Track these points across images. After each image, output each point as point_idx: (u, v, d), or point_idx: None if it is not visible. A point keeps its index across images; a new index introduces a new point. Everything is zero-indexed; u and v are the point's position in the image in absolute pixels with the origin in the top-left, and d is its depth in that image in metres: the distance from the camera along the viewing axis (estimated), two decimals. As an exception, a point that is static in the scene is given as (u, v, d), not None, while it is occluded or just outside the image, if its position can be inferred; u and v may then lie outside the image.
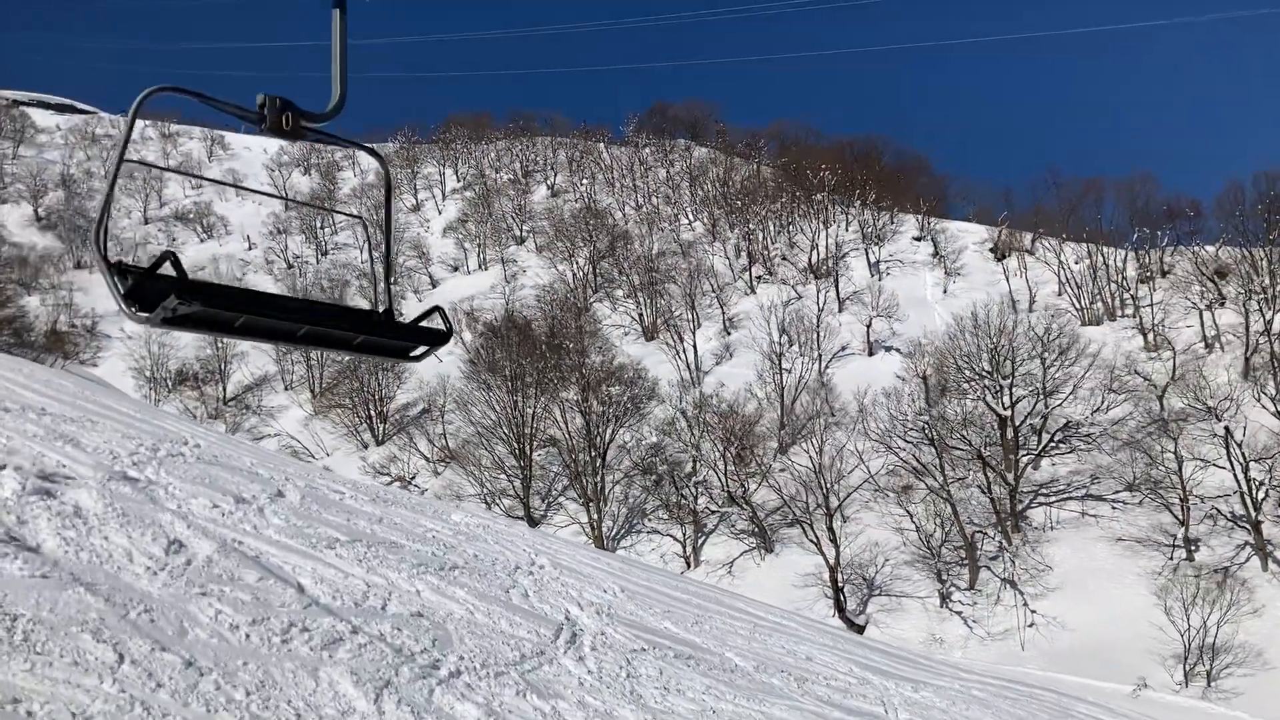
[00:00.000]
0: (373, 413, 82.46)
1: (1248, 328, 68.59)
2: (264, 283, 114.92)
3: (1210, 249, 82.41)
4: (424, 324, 3.88)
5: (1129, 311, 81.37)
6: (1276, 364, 65.30)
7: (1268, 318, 66.98)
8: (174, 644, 7.00)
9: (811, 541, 50.70)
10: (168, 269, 3.10)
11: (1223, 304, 75.39)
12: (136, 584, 7.81)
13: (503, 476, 64.92)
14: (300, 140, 3.51)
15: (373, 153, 4.27)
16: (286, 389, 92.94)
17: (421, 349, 3.85)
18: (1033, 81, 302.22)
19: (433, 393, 79.98)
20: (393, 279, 4.27)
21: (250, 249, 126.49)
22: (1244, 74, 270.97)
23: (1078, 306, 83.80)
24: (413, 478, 73.70)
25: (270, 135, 3.42)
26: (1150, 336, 75.40)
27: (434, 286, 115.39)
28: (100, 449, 11.15)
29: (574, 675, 9.86)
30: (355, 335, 3.65)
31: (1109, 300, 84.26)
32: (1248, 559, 48.99)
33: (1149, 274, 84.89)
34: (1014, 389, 55.93)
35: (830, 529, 50.65)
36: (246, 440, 75.15)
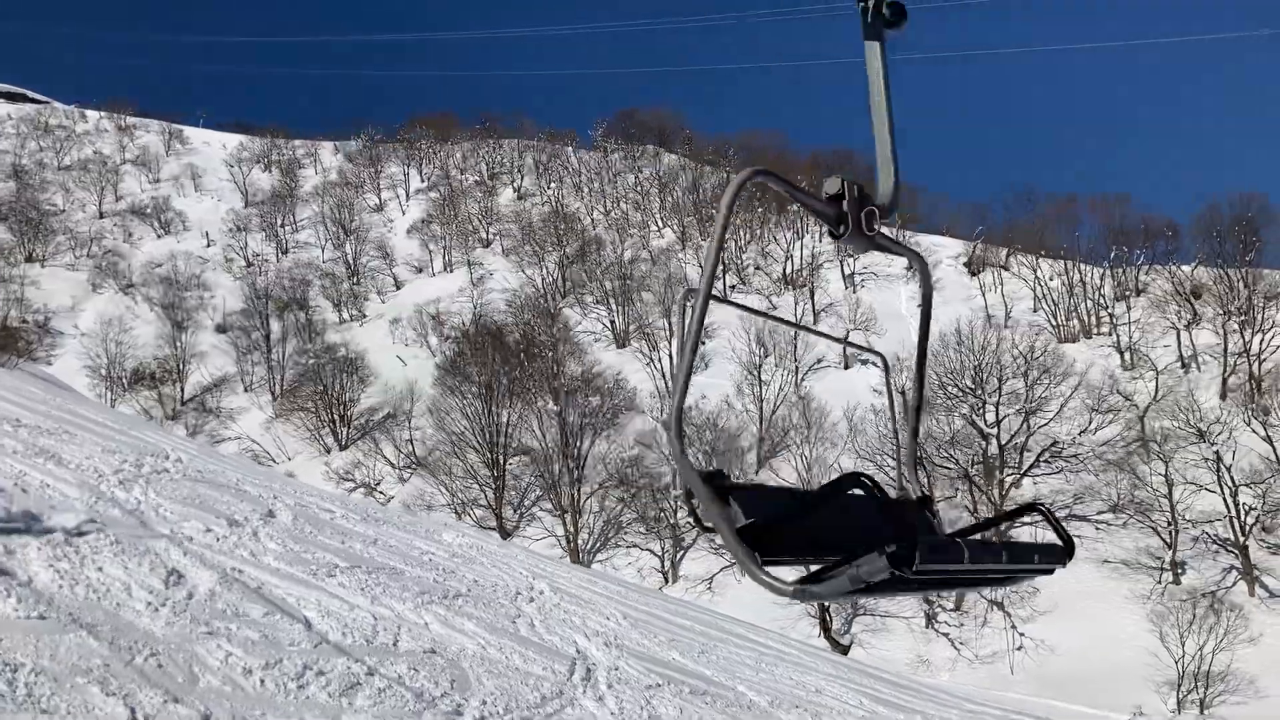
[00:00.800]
0: (336, 417, 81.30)
1: (1225, 349, 69.38)
2: (223, 281, 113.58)
3: (1186, 268, 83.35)
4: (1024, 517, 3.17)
5: (1105, 330, 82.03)
6: (1255, 385, 66.24)
7: (1247, 339, 67.79)
8: (186, 694, 6.44)
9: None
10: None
11: (1198, 323, 76.20)
12: (139, 623, 7.23)
13: (474, 486, 64.11)
14: (875, 248, 2.82)
15: (917, 257, 3.47)
16: (246, 390, 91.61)
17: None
18: (1007, 98, 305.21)
19: (399, 398, 79.07)
20: (914, 458, 3.38)
21: (209, 246, 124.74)
22: (1220, 96, 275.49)
23: (1054, 323, 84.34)
24: (377, 484, 72.85)
25: (849, 242, 2.71)
26: (1128, 355, 75.98)
27: (398, 288, 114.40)
28: (84, 466, 10.59)
29: (598, 718, 9.43)
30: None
31: (1085, 318, 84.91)
32: (1234, 583, 49.25)
33: (1125, 292, 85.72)
34: (999, 407, 55.93)
35: (815, 548, 50.01)
36: (223, 451, 74.34)
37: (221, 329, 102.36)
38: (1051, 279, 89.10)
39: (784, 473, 55.02)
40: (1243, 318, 70.55)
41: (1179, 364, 73.45)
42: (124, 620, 7.14)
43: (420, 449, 74.27)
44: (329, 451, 79.61)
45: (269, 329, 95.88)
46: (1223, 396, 66.99)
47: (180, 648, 7.08)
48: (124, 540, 8.63)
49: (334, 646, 8.54)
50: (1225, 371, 69.33)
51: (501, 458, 64.33)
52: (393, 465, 74.35)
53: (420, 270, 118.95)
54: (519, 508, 65.57)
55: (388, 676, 8.12)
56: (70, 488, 9.47)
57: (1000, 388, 56.61)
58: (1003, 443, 55.36)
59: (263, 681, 7.21)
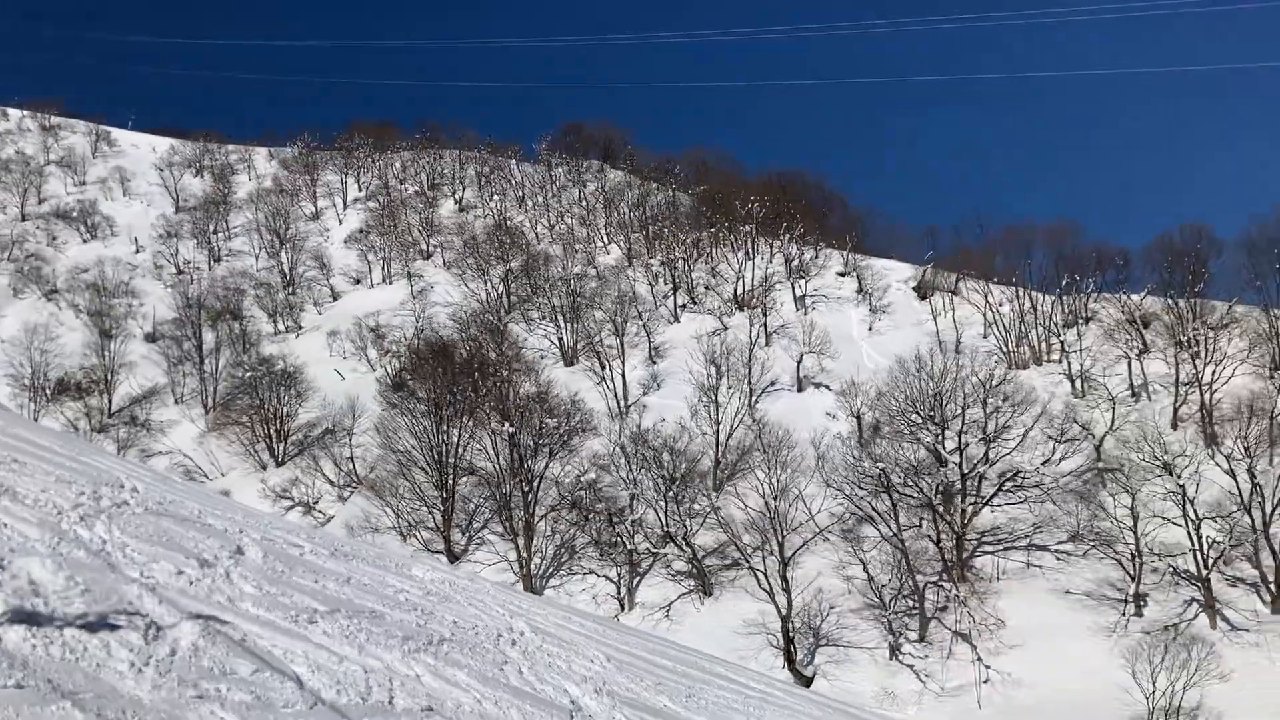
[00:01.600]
0: (272, 432, 79.51)
1: (1177, 378, 70.53)
2: (153, 289, 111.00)
3: (1136, 297, 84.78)
4: None
5: (1055, 357, 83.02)
6: (1206, 415, 67.41)
7: (1199, 368, 68.94)
8: (186, 774, 5.79)
9: (765, 590, 49.41)
10: None
11: (1149, 353, 77.40)
12: (123, 686, 6.51)
13: (421, 507, 62.83)
14: None
15: None
16: (177, 402, 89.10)
17: None
18: (957, 125, 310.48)
19: (339, 413, 77.57)
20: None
21: (138, 252, 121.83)
22: (1170, 127, 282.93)
23: (1005, 349, 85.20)
24: (315, 503, 71.22)
25: None
26: (1079, 383, 76.94)
27: (335, 299, 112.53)
28: (40, 501, 9.77)
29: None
30: None
31: (1036, 345, 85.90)
32: (1196, 615, 49.79)
33: (1074, 320, 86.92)
34: (962, 435, 56.08)
35: (783, 576, 49.55)
36: (156, 467, 72.45)
37: (151, 338, 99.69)
38: (1002, 305, 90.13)
39: (750, 500, 54.52)
40: (1194, 349, 71.75)
41: (1130, 393, 74.48)
42: (106, 684, 6.45)
43: (361, 467, 72.86)
44: (265, 468, 77.63)
45: (201, 339, 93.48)
46: (1174, 426, 67.95)
47: (170, 715, 6.46)
48: (94, 588, 7.96)
49: (330, 707, 8.06)
50: (1176, 401, 70.36)
51: (450, 478, 63.21)
52: (332, 483, 72.59)
53: (358, 281, 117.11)
54: (468, 530, 64.57)
55: (391, 741, 7.57)
56: (30, 527, 8.71)
57: (963, 414, 56.75)
58: (964, 471, 55.47)
59: (264, 752, 6.63)
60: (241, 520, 13.44)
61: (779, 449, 54.66)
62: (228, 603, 8.97)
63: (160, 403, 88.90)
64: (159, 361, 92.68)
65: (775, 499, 51.30)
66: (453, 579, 15.82)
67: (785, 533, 51.20)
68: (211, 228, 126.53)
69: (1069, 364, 78.82)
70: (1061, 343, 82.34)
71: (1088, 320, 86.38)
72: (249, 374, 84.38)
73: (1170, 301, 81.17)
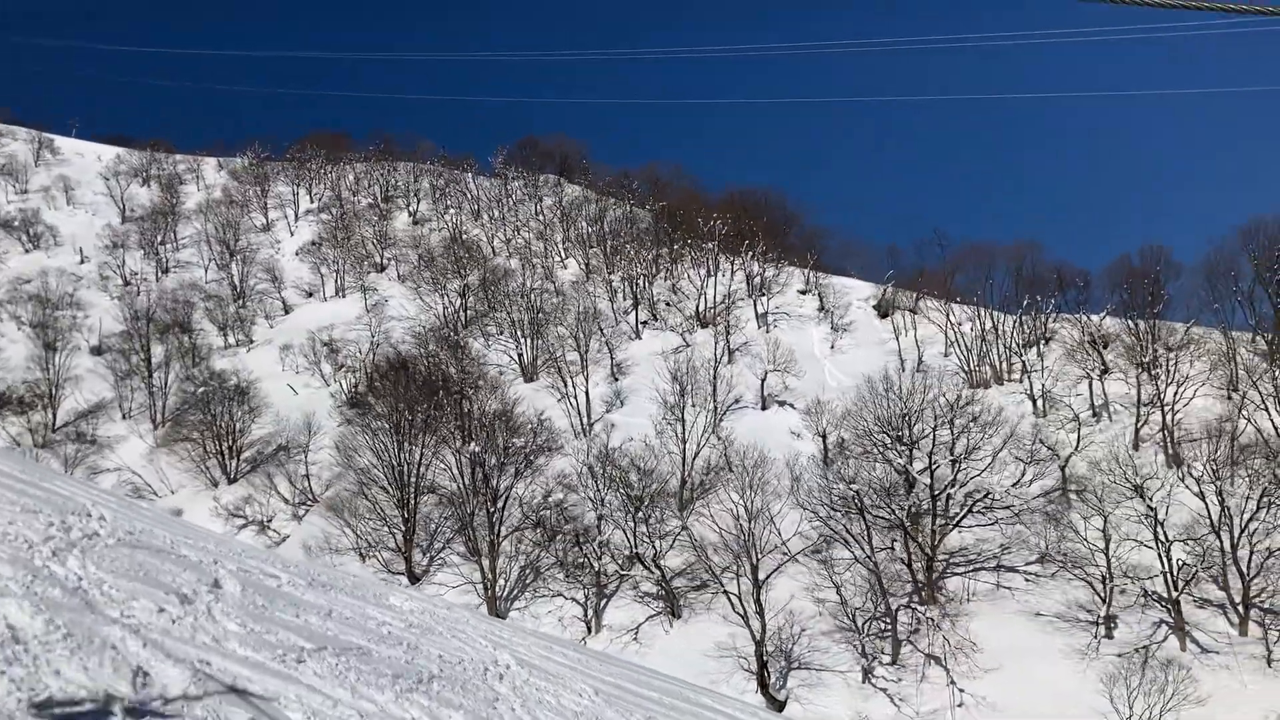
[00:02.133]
0: (224, 448, 78.04)
1: (1139, 399, 71.29)
2: (99, 300, 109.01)
3: (1096, 318, 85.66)
4: None
5: (1016, 376, 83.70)
6: (1169, 436, 68.17)
7: (1161, 389, 69.72)
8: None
9: (738, 614, 48.86)
10: None
11: (1106, 373, 78.25)
12: (117, 746, 6.09)
13: (382, 527, 61.86)
14: None
15: None
16: (125, 417, 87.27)
17: None
18: (914, 144, 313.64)
19: (294, 429, 76.36)
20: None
21: (83, 263, 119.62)
22: (1130, 149, 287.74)
23: (966, 369, 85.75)
24: (269, 521, 70.00)
25: None
26: (1040, 402, 77.56)
27: (287, 312, 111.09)
28: (9, 534, 9.30)
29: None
30: None
31: (997, 364, 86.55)
32: (1165, 637, 50.01)
33: (1034, 339, 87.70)
34: (931, 455, 56.08)
35: (757, 600, 49.05)
36: (103, 484, 70.79)
37: (98, 351, 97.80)
38: (962, 324, 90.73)
39: (721, 520, 54.06)
40: (1156, 370, 72.57)
41: (1091, 413, 75.21)
42: (99, 743, 5.99)
43: (318, 485, 71.68)
44: (216, 485, 76.15)
45: (150, 352, 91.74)
46: (1135, 446, 68.65)
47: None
48: (75, 632, 7.48)
49: (332, 759, 7.62)
50: (1138, 422, 71.10)
51: (411, 498, 62.29)
52: (287, 502, 71.32)
53: (311, 294, 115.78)
54: (429, 550, 63.69)
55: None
56: (1, 564, 8.21)
57: (934, 435, 56.81)
58: (935, 492, 55.47)
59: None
60: (215, 550, 13.16)
61: (753, 470, 54.23)
62: (214, 643, 8.66)
63: (107, 418, 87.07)
64: (105, 375, 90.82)
65: (750, 521, 50.87)
66: (431, 609, 15.52)
67: (759, 555, 50.82)
68: (159, 238, 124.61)
69: (1030, 384, 79.45)
70: (1023, 362, 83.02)
71: (1048, 340, 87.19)
72: (200, 388, 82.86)
73: (1130, 323, 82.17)
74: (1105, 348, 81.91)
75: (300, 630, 10.12)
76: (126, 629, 8.00)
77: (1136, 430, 70.87)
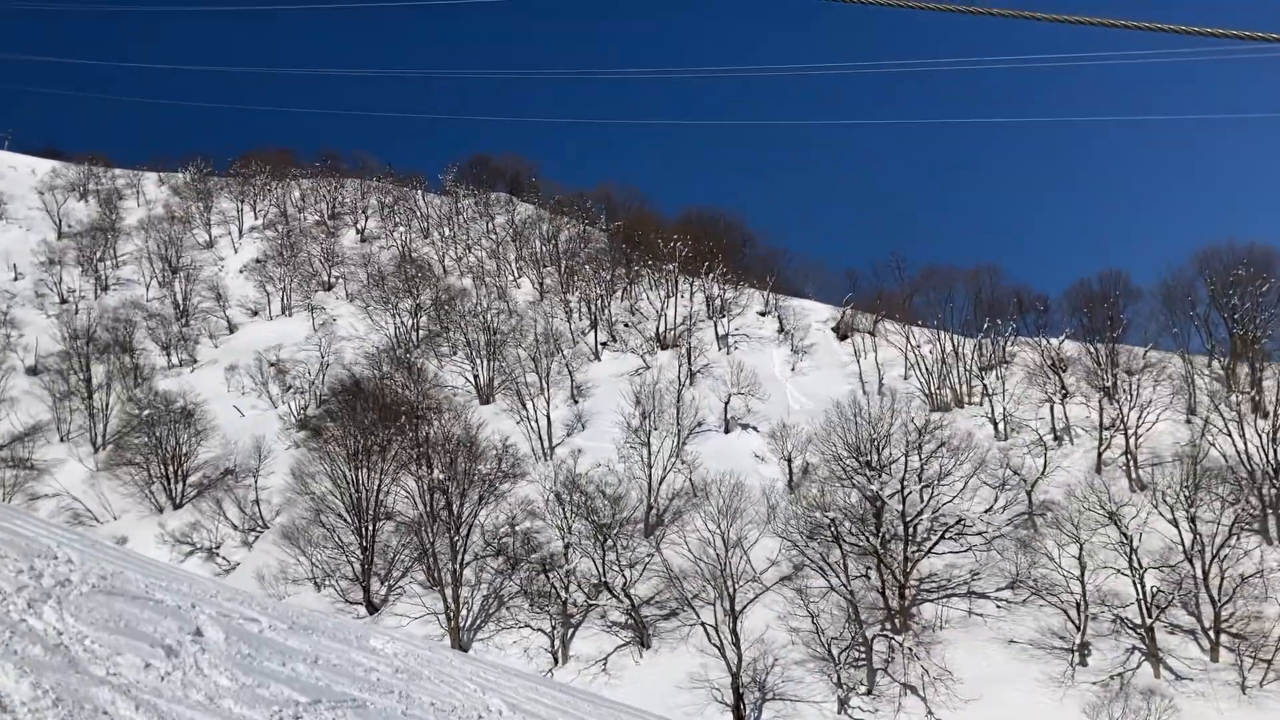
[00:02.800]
0: (170, 472, 76.17)
1: (1101, 423, 72.21)
2: (35, 319, 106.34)
3: (1055, 341, 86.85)
4: None
5: (977, 399, 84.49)
6: (1131, 460, 69.08)
7: (1124, 413, 70.70)
8: None
9: (714, 645, 48.35)
10: None
11: (1067, 396, 79.21)
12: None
13: (338, 555, 60.58)
14: None
15: None
16: (63, 440, 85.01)
17: None
18: (871, 167, 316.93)
19: (242, 453, 74.87)
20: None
21: (17, 280, 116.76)
22: (1088, 173, 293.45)
23: (927, 392, 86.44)
24: (217, 547, 68.69)
25: None
26: (1001, 425, 78.34)
27: (232, 331, 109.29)
28: (-20, 585, 8.95)
29: None
30: None
31: (957, 387, 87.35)
32: (1139, 664, 50.42)
33: (994, 362, 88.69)
34: (904, 481, 56.12)
35: (734, 630, 48.60)
36: (41, 512, 68.67)
37: (34, 371, 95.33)
38: (922, 347, 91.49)
39: (695, 547, 53.55)
40: (1118, 394, 73.64)
41: (1052, 436, 75.98)
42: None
43: (268, 510, 70.26)
44: (161, 510, 74.31)
45: (90, 372, 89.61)
46: (1098, 470, 69.48)
47: None
48: (63, 695, 7.28)
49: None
50: (1100, 446, 71.95)
51: (370, 524, 61.12)
52: (237, 528, 69.95)
53: (256, 313, 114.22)
54: (387, 579, 62.52)
55: None
56: (-22, 620, 7.90)
57: (905, 461, 56.87)
58: (907, 518, 55.47)
59: None
60: (190, 592, 13.06)
61: (730, 497, 53.86)
62: (208, 701, 8.52)
63: (44, 441, 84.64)
64: (43, 396, 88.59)
65: (727, 550, 50.48)
66: (414, 650, 15.44)
67: (735, 584, 50.45)
68: (98, 255, 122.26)
69: (992, 406, 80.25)
70: (984, 385, 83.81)
71: (1008, 363, 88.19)
72: (144, 410, 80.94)
73: (1090, 346, 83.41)
74: (1065, 371, 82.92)
75: (291, 681, 10.00)
76: (116, 690, 7.73)
77: (1099, 454, 71.68)
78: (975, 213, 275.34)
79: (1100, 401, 74.19)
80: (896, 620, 53.79)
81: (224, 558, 67.85)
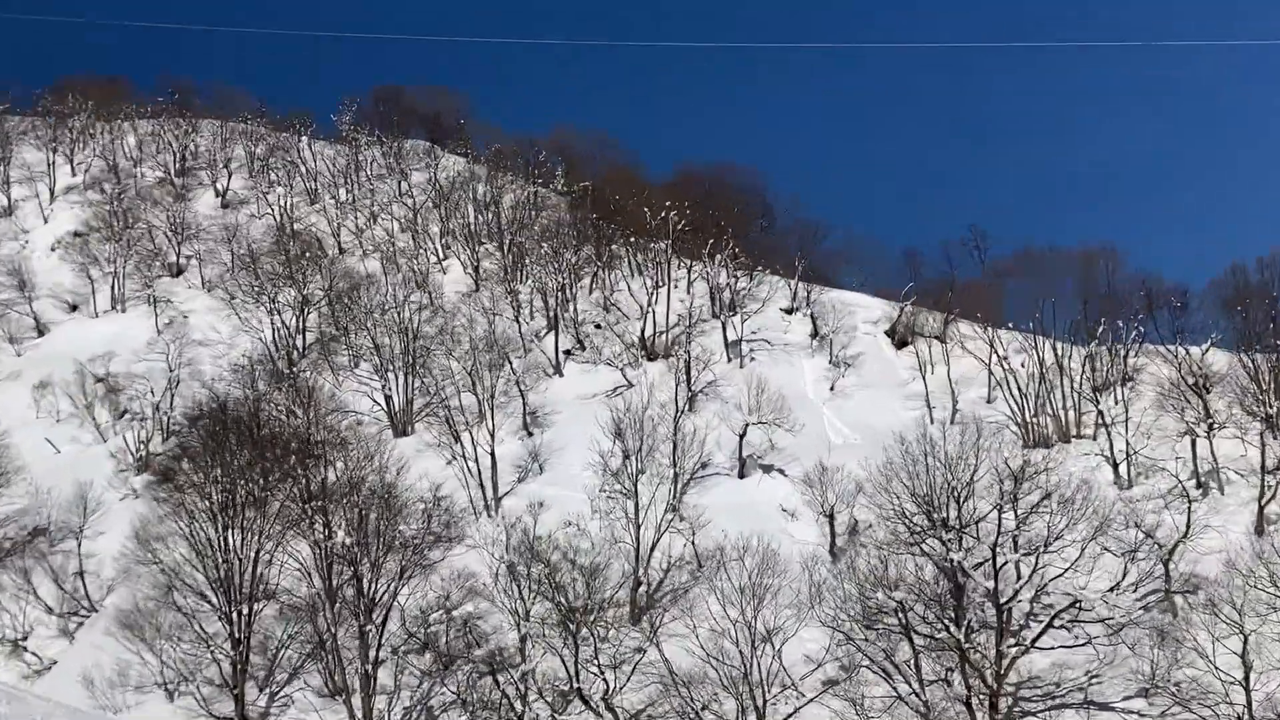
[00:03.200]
0: (-46, 535, 76.12)
1: (1263, 465, 72.37)
2: None
3: (1197, 351, 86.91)
4: None
5: (1089, 431, 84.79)
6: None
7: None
8: None
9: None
10: None
11: (1214, 428, 79.17)
12: None
13: (202, 649, 60.65)
14: None
15: None
16: None
17: None
18: (936, 116, 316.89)
19: (60, 505, 74.96)
20: None
21: None
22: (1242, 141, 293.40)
23: (1020, 420, 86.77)
24: (23, 639, 68.83)
25: None
26: (1124, 468, 78.54)
27: (41, 334, 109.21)
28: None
29: None
30: None
31: (1061, 414, 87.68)
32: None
33: (1111, 380, 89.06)
34: (995, 547, 55.81)
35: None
36: None
37: None
38: (1009, 357, 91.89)
39: (704, 637, 53.59)
40: (1286, 423, 74.00)
41: (1193, 481, 76.03)
42: None
43: (97, 586, 70.18)
44: (-57, 587, 74.35)
45: None
46: (1259, 530, 69.56)
47: None
48: None
49: None
50: (1262, 497, 72.02)
51: (244, 608, 61.06)
52: (52, 611, 70.36)
53: (75, 307, 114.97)
54: (269, 683, 62.53)
55: None
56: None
57: (998, 519, 56.64)
58: (1000, 599, 55.42)
59: None
60: None
61: (757, 570, 53.99)
62: None
63: None
64: None
65: (752, 645, 50.58)
66: None
67: (765, 693, 50.57)
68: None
69: (1110, 441, 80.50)
70: (1099, 412, 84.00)
71: (1132, 380, 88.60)
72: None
73: (1244, 358, 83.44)
74: (1210, 392, 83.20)
75: None
76: None
77: (1260, 507, 71.85)
78: (1085, 181, 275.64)
79: (1261, 435, 74.48)
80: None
81: (34, 654, 68.14)
